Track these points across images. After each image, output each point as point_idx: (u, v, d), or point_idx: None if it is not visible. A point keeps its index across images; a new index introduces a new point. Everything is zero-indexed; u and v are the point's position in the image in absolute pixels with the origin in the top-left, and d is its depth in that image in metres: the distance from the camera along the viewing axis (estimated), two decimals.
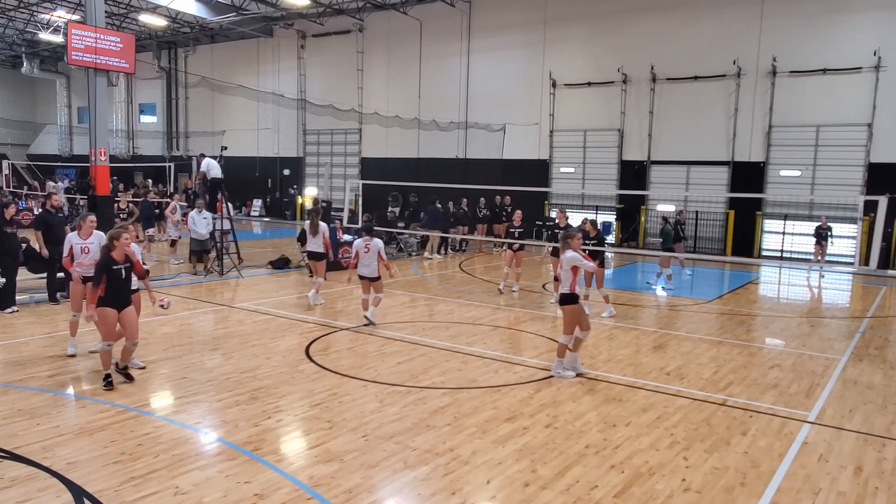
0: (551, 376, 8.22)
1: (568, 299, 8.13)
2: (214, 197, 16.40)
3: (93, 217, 8.73)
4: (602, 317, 11.72)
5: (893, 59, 19.33)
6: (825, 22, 20.29)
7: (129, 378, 7.61)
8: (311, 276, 12.92)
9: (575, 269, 8.17)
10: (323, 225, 12.32)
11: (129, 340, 7.58)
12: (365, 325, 10.66)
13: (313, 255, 12.46)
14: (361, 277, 10.78)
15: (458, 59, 27.48)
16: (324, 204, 15.59)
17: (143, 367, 8.05)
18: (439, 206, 20.36)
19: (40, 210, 16.57)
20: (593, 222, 12.74)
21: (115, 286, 7.39)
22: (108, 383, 7.35)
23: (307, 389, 7.54)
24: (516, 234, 13.90)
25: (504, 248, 14.62)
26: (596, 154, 24.67)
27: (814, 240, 18.69)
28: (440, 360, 8.85)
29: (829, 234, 18.35)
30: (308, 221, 12.49)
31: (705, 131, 22.34)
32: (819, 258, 18.70)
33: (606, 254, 14.03)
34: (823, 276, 18.51)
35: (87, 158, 13.64)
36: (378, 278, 10.75)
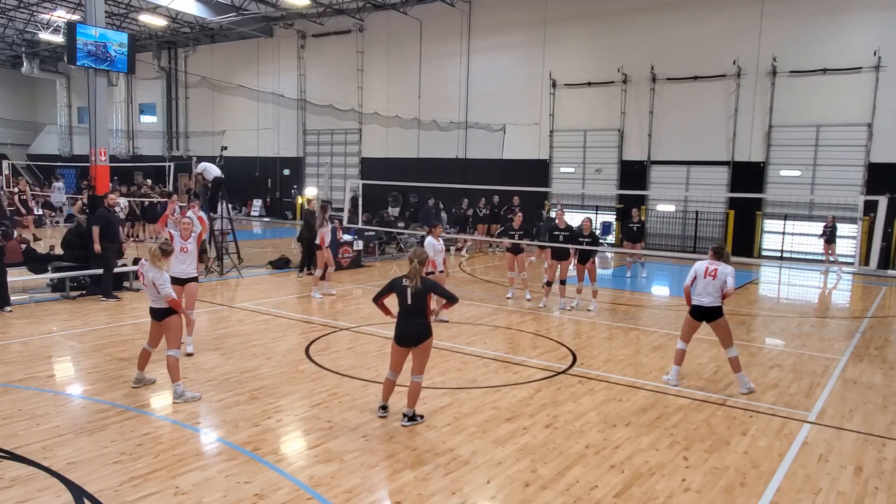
0: (551, 376, 8.23)
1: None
2: (216, 196, 16.46)
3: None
4: (588, 311, 12.35)
5: (893, 59, 19.31)
6: (825, 22, 20.28)
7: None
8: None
9: None
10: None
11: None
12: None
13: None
14: None
15: (458, 59, 27.46)
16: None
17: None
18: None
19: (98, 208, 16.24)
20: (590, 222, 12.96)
21: None
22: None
23: (307, 389, 7.54)
24: (516, 237, 13.35)
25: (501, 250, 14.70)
26: (596, 154, 24.65)
27: (822, 240, 18.65)
28: (440, 360, 8.84)
29: (834, 232, 18.32)
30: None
31: (705, 131, 22.33)
32: (831, 258, 18.62)
33: (606, 254, 14.20)
34: (840, 277, 18.29)
35: (87, 158, 13.64)
36: None
